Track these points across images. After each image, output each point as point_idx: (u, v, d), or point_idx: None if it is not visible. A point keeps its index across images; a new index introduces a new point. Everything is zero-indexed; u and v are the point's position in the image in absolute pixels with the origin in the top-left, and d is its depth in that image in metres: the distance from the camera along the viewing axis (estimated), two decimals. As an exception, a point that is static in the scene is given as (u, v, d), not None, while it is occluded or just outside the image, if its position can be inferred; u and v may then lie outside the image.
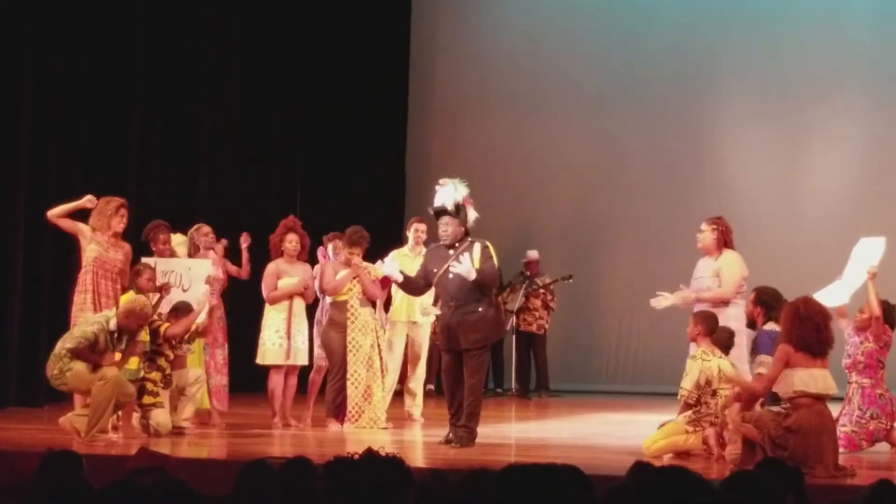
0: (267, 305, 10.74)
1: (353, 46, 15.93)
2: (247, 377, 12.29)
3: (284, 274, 10.69)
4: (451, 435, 9.45)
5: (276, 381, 10.68)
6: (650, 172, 15.82)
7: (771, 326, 9.01)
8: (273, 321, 10.66)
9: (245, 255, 11.28)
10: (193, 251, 10.99)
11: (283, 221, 10.99)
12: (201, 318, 10.31)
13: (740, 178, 15.56)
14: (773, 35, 15.63)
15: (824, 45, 15.41)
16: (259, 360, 10.79)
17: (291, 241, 10.80)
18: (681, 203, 15.22)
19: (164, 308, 10.10)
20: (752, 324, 9.42)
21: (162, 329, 9.85)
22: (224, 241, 11.30)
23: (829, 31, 15.44)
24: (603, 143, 16.08)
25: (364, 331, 10.64)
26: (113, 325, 9.35)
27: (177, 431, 9.91)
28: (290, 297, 10.66)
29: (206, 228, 11.20)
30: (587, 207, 16.12)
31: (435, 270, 9.56)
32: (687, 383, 8.88)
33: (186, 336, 10.08)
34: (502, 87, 16.41)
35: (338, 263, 10.89)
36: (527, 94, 16.31)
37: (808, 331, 7.80)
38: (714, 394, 8.83)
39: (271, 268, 10.76)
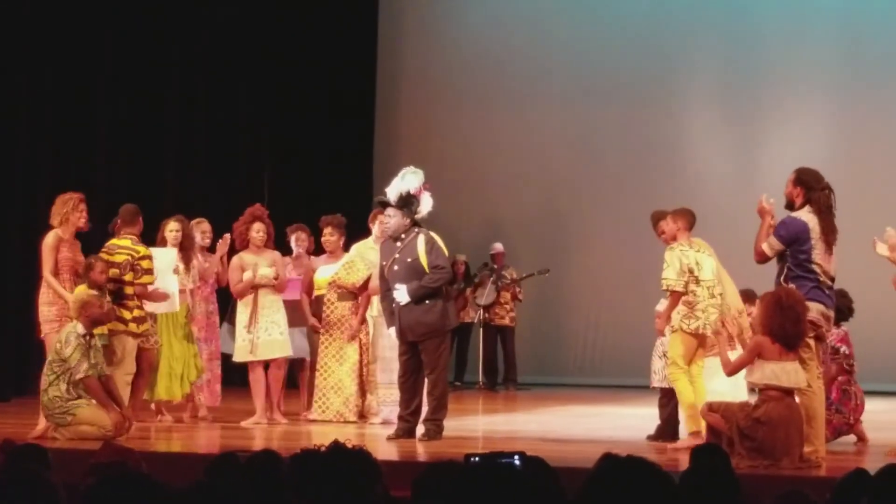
0: (238, 301, 10.56)
1: (320, 38, 15.86)
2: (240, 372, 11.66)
3: (248, 266, 10.42)
4: (399, 430, 9.31)
5: (253, 377, 10.45)
6: (620, 166, 15.84)
7: None
8: (241, 317, 10.47)
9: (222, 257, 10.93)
10: (189, 244, 10.66)
11: (250, 209, 10.68)
12: (164, 309, 10.17)
13: (709, 173, 15.60)
14: (740, 32, 15.68)
15: (789, 43, 15.48)
16: (234, 359, 10.64)
17: (258, 231, 10.51)
18: (650, 197, 15.18)
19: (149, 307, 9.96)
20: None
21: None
22: (227, 237, 10.88)
23: (793, 28, 15.51)
24: (573, 136, 16.09)
25: (339, 325, 10.57)
26: (81, 329, 9.03)
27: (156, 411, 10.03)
28: (255, 289, 10.38)
29: (205, 226, 10.95)
30: (556, 200, 16.14)
31: (384, 263, 9.48)
32: (669, 273, 8.84)
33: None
34: (471, 79, 16.39)
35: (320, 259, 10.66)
36: (496, 87, 16.30)
37: (790, 320, 7.84)
38: (698, 282, 8.81)
39: (235, 262, 10.51)
